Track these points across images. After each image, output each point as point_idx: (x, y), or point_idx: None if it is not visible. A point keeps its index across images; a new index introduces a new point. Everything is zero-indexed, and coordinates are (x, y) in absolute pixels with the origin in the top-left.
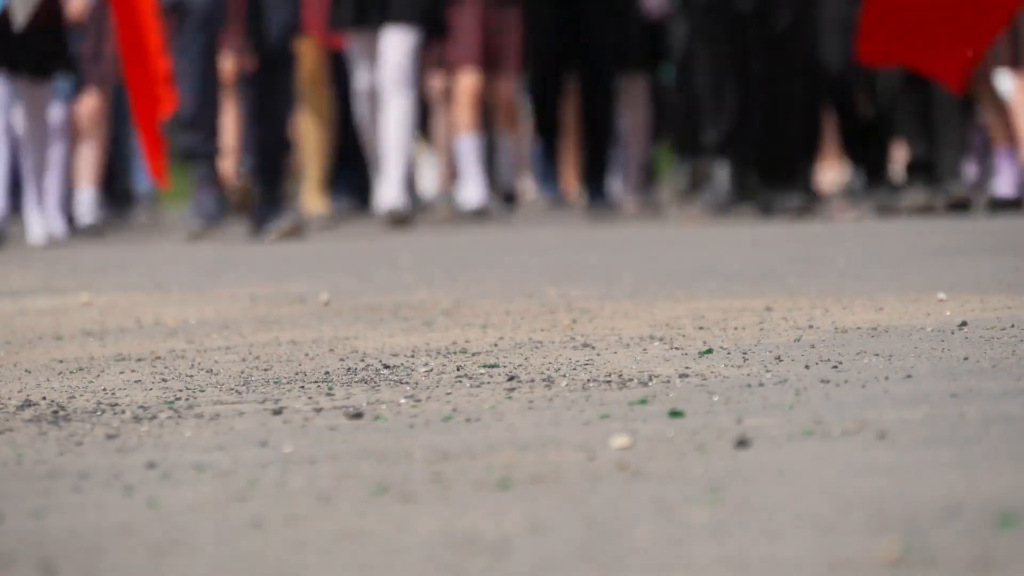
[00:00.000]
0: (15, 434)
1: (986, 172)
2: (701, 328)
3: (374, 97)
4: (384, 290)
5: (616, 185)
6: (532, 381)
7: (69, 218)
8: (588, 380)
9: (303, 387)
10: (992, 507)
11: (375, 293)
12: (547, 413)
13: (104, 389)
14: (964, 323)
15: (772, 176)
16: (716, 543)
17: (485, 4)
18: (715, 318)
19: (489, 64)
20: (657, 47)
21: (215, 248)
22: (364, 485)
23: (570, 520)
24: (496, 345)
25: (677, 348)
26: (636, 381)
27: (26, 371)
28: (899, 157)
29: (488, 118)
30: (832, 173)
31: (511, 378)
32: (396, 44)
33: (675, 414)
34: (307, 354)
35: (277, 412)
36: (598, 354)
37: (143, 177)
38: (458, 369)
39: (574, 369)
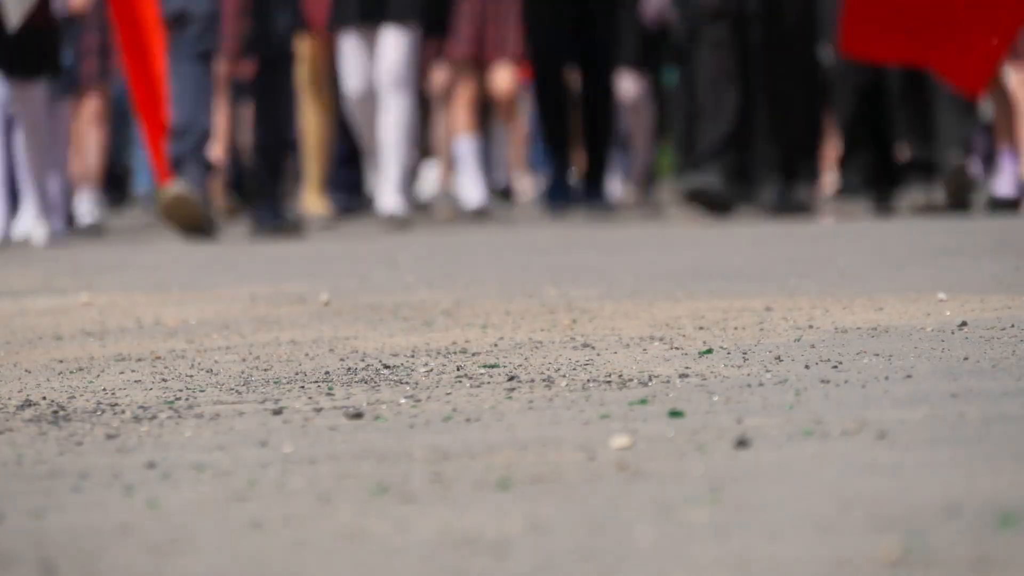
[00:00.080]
0: (15, 434)
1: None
2: (701, 328)
3: (368, 98)
4: (384, 290)
5: (616, 185)
6: (532, 381)
7: (69, 218)
8: (588, 380)
9: (303, 387)
10: (992, 507)
11: (375, 293)
12: (547, 413)
13: (104, 389)
14: (964, 323)
15: (774, 175)
16: (716, 543)
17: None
18: (715, 318)
19: (487, 54)
20: (658, 50)
21: (215, 248)
22: (364, 485)
23: (570, 520)
24: (496, 345)
25: (677, 348)
26: (636, 381)
27: (26, 371)
28: (899, 157)
29: (486, 110)
30: (832, 174)
31: (511, 378)
32: (395, 44)
33: (675, 414)
34: (307, 354)
35: (277, 412)
36: (598, 354)
37: (144, 178)
38: (458, 369)
39: (574, 369)
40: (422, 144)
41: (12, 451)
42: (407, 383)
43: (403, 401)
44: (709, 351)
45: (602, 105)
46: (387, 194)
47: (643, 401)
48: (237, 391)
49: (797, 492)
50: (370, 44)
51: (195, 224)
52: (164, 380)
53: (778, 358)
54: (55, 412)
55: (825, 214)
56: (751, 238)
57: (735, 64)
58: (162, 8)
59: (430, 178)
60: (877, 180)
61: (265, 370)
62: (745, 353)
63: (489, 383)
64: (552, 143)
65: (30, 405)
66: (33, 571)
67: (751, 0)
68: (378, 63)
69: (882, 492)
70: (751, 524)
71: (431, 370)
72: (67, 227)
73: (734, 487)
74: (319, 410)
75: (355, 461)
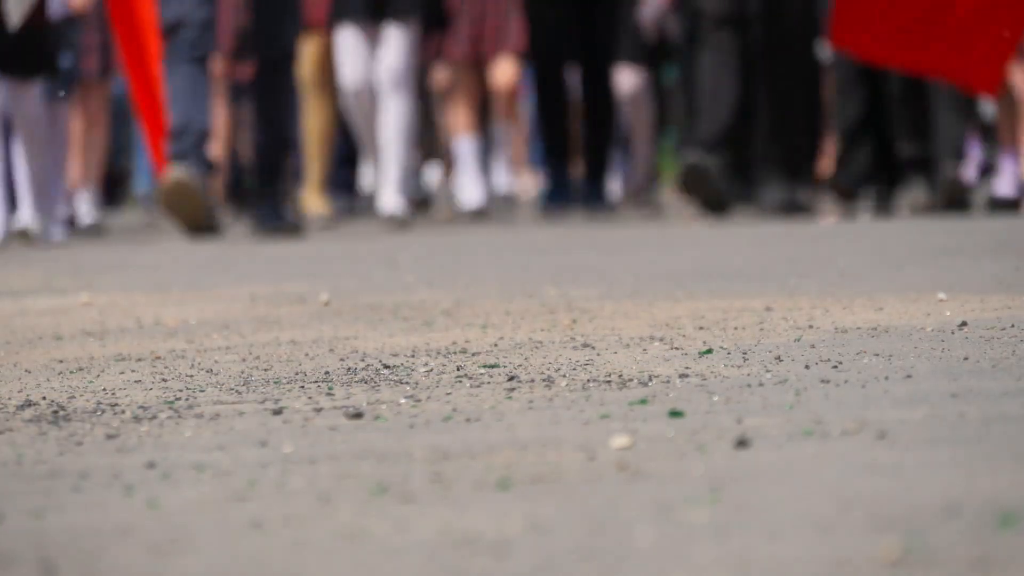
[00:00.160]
0: (15, 434)
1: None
2: (701, 328)
3: (365, 92)
4: (384, 290)
5: (616, 185)
6: (532, 381)
7: (70, 218)
8: (588, 380)
9: (303, 387)
10: (992, 507)
11: (375, 293)
12: (547, 413)
13: (104, 389)
14: (964, 323)
15: (774, 175)
16: (716, 543)
17: None
18: (715, 318)
19: (487, 48)
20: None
21: (215, 248)
22: (364, 485)
23: (570, 520)
24: (496, 345)
25: (677, 348)
26: (636, 381)
27: (26, 371)
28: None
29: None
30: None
31: (511, 378)
32: (396, 43)
33: (675, 414)
34: (307, 354)
35: (277, 412)
36: (598, 354)
37: (144, 179)
38: (458, 369)
39: (574, 369)
40: (424, 144)
41: (12, 451)
42: (407, 383)
43: (403, 401)
44: (709, 351)
45: (602, 104)
46: (387, 194)
47: (643, 401)
48: (237, 391)
49: (797, 492)
50: (368, 39)
51: (196, 214)
52: (164, 380)
53: (778, 358)
54: (55, 412)
55: (825, 214)
56: (751, 238)
57: (736, 66)
58: (160, 16)
59: (431, 178)
60: (877, 178)
61: (265, 370)
62: (745, 353)
63: (489, 383)
64: (551, 143)
65: (30, 405)
66: (33, 571)
67: (752, 2)
68: (379, 62)
69: (882, 492)
70: (751, 524)
71: (431, 370)
72: (67, 227)
73: (734, 487)
74: (319, 410)
75: (355, 461)
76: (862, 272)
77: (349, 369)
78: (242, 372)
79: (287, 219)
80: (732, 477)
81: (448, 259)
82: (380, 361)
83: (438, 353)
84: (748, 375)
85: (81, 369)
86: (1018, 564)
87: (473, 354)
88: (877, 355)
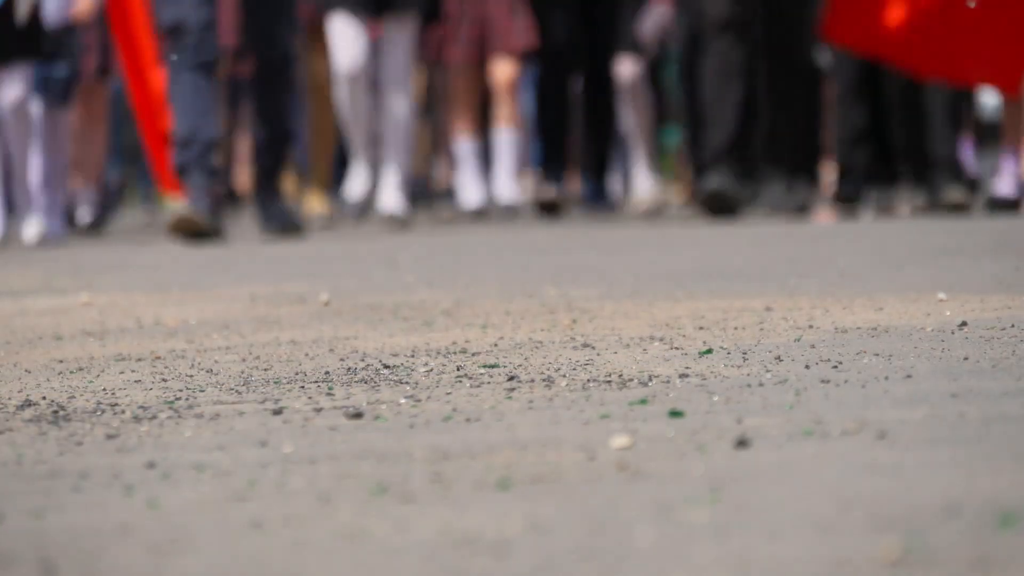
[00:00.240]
0: (15, 434)
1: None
2: (701, 328)
3: (359, 81)
4: (384, 290)
5: (616, 183)
6: (532, 381)
7: (70, 218)
8: (588, 380)
9: (303, 387)
10: (992, 507)
11: (375, 293)
12: (547, 413)
13: (104, 389)
14: (964, 323)
15: (775, 176)
16: (716, 543)
17: None
18: (715, 318)
19: (488, 46)
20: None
21: (215, 248)
22: (364, 485)
23: (570, 520)
24: (496, 345)
25: (677, 348)
26: (636, 381)
27: (26, 371)
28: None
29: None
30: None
31: (511, 378)
32: (398, 41)
33: (675, 414)
34: (307, 354)
35: (277, 412)
36: (598, 354)
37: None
38: (458, 369)
39: (574, 369)
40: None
41: (12, 451)
42: (407, 383)
43: (403, 401)
44: (709, 351)
45: (603, 103)
46: (388, 194)
47: (643, 401)
48: (237, 391)
49: (797, 492)
50: (364, 28)
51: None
52: (164, 380)
53: (778, 358)
54: (55, 412)
55: (825, 214)
56: (751, 238)
57: (740, 73)
58: (157, 19)
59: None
60: (878, 177)
61: (265, 370)
62: (745, 353)
63: (489, 383)
64: (551, 143)
65: (30, 405)
66: (33, 571)
67: (754, 6)
68: (379, 61)
69: (882, 492)
70: (751, 524)
71: (431, 370)
72: (67, 227)
73: (734, 487)
74: (319, 410)
75: (355, 461)
76: (862, 272)
77: (349, 369)
78: (242, 372)
79: (291, 218)
80: (732, 477)
81: (448, 259)
82: (380, 361)
83: (438, 353)
84: (748, 375)
85: (81, 369)
86: (1018, 564)
87: (473, 354)
88: (877, 355)
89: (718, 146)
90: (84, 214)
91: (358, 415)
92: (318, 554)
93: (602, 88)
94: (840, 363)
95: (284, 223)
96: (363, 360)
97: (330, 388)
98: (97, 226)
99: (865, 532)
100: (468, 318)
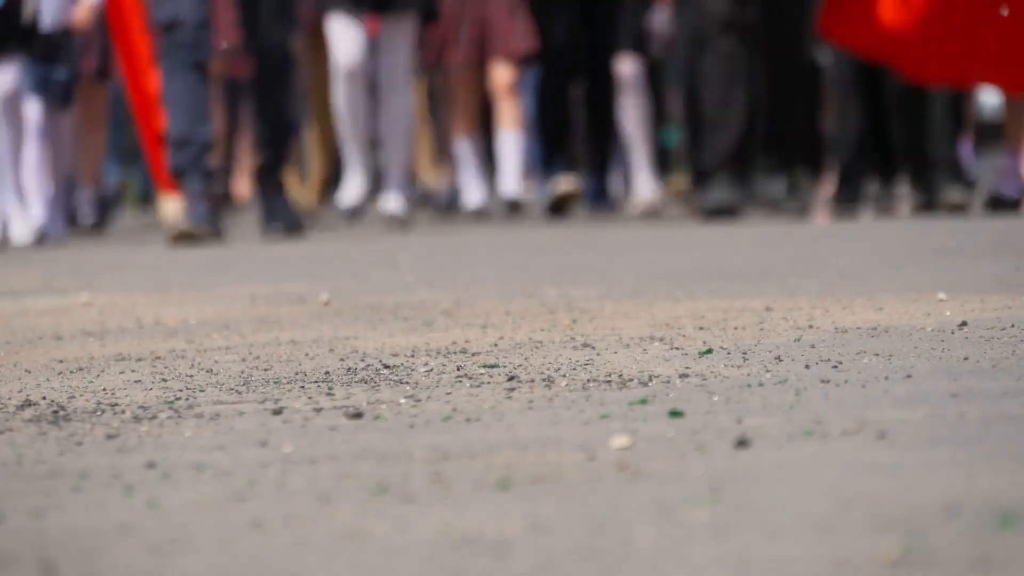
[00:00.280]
0: (15, 434)
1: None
2: (701, 328)
3: (358, 76)
4: (384, 290)
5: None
6: (532, 381)
7: (71, 218)
8: (588, 380)
9: (303, 387)
10: (992, 507)
11: (375, 293)
12: (547, 413)
13: (104, 389)
14: (964, 323)
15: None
16: (716, 543)
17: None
18: (715, 318)
19: (488, 47)
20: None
21: (215, 248)
22: (364, 485)
23: (570, 520)
24: (496, 345)
25: (677, 348)
26: (636, 381)
27: (26, 371)
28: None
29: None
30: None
31: (511, 378)
32: (397, 41)
33: (675, 414)
34: (307, 354)
35: (277, 412)
36: (598, 354)
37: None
38: (458, 369)
39: (574, 369)
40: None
41: (12, 451)
42: (407, 383)
43: (403, 401)
44: (709, 351)
45: (604, 102)
46: (388, 194)
47: (643, 401)
48: (237, 391)
49: (797, 492)
50: (361, 26)
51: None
52: (164, 380)
53: (778, 358)
54: (55, 412)
55: (824, 214)
56: (751, 238)
57: (743, 75)
58: (153, 16)
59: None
60: (877, 178)
61: (265, 370)
62: (745, 353)
63: (489, 383)
64: (553, 143)
65: (30, 405)
66: (33, 571)
67: (754, 6)
68: (379, 60)
69: (882, 492)
70: (751, 524)
71: (431, 370)
72: (67, 226)
73: (734, 487)
74: (319, 410)
75: (355, 461)
76: (862, 272)
77: (349, 369)
78: (242, 372)
79: (294, 217)
80: (732, 477)
81: (448, 259)
82: (380, 361)
83: (438, 353)
84: (748, 375)
85: (81, 369)
86: (1018, 564)
87: (473, 354)
88: (877, 355)
89: (720, 155)
90: (85, 215)
91: (358, 415)
92: (318, 554)
93: (602, 87)
94: (840, 363)
95: (287, 222)
96: (363, 360)
97: (330, 388)
98: (98, 226)
99: (865, 532)
100: (468, 318)
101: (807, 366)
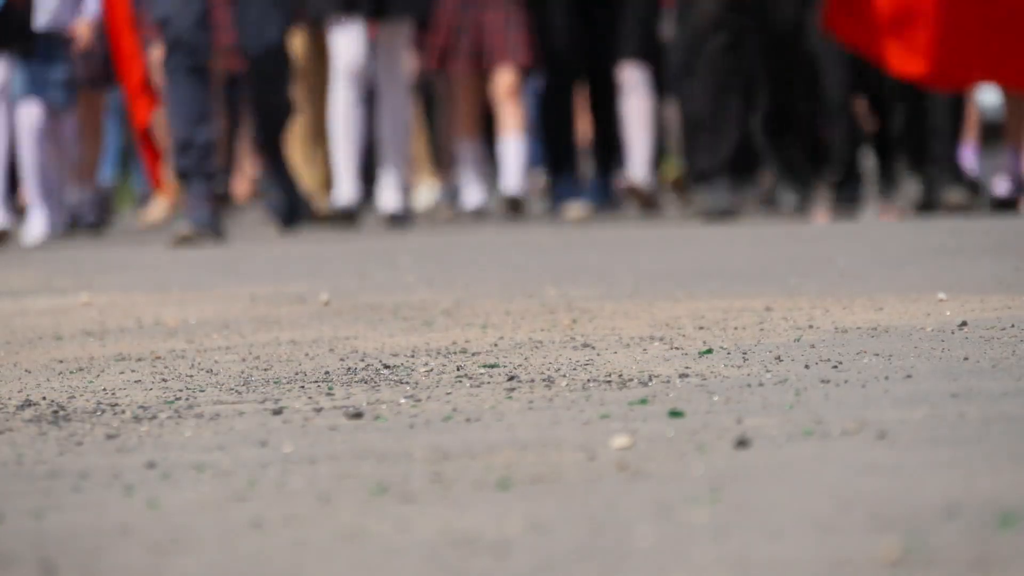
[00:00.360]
0: (15, 434)
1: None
2: (701, 328)
3: (358, 76)
4: (384, 290)
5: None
6: (532, 381)
7: (72, 218)
8: (588, 380)
9: (303, 387)
10: (992, 507)
11: (375, 293)
12: (547, 413)
13: (104, 389)
14: (964, 323)
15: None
16: (716, 543)
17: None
18: (715, 318)
19: (489, 56)
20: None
21: (215, 248)
22: (364, 485)
23: (570, 520)
24: (496, 345)
25: (677, 348)
26: (636, 381)
27: (26, 371)
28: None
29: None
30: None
31: (511, 378)
32: (394, 44)
33: (675, 414)
34: (307, 354)
35: (277, 412)
36: (598, 354)
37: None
38: (458, 369)
39: (574, 369)
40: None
41: (12, 451)
42: (407, 383)
43: (403, 401)
44: (709, 351)
45: (606, 103)
46: (387, 194)
47: (643, 401)
48: (237, 391)
49: (797, 492)
50: (362, 28)
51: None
52: (164, 380)
53: (778, 358)
54: (55, 412)
55: (823, 214)
56: (751, 238)
57: (738, 80)
58: (149, 13)
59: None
60: (877, 178)
61: (265, 370)
62: (745, 353)
63: (489, 383)
64: (554, 144)
65: (30, 405)
66: (33, 571)
67: (750, 12)
68: (376, 64)
69: (882, 492)
70: (751, 524)
71: (431, 370)
72: (68, 226)
73: (734, 487)
74: (319, 410)
75: (355, 461)
76: (862, 272)
77: (349, 369)
78: (242, 372)
79: (296, 207)
80: (732, 477)
81: (448, 259)
82: (380, 361)
83: (438, 353)
84: (748, 375)
85: (81, 369)
86: (1018, 564)
87: (473, 354)
88: (877, 355)
89: (718, 161)
90: (85, 215)
91: (358, 415)
92: (318, 554)
93: (605, 89)
94: (840, 363)
95: (299, 214)
96: (363, 360)
97: (330, 388)
98: (98, 226)
99: (865, 532)
100: (468, 318)
101: (807, 366)
